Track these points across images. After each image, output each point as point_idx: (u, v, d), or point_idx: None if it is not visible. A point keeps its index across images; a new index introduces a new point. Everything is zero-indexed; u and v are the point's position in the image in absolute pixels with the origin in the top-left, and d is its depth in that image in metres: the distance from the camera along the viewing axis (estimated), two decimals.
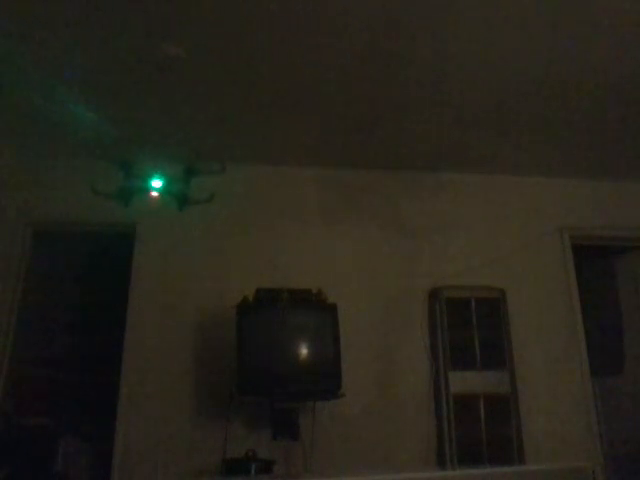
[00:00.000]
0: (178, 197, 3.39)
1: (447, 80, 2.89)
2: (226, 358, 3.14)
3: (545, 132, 3.45)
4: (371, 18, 2.43)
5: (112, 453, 3.13)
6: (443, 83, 2.92)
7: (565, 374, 3.62)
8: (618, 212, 4.01)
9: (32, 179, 3.58)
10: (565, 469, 1.63)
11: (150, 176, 3.42)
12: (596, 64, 2.77)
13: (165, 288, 3.47)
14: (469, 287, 3.60)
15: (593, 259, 4.28)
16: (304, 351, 3.09)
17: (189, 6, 2.34)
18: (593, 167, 3.90)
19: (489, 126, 3.37)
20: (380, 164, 3.81)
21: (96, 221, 3.62)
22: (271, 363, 3.03)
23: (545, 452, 3.35)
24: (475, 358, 3.43)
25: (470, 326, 3.49)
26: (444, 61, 2.74)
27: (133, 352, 3.32)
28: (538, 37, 2.56)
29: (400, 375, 3.50)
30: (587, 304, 3.85)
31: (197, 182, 3.50)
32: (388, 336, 3.56)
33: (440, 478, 1.81)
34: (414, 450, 3.35)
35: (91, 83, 2.89)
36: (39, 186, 3.57)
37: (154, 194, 3.45)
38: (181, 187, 3.42)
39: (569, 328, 3.72)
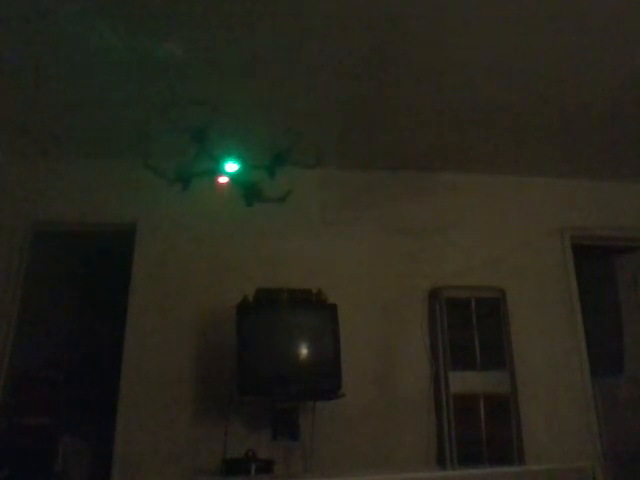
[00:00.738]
0: (248, 189, 2.71)
1: (447, 80, 2.89)
2: (226, 358, 3.15)
3: (545, 132, 3.45)
4: (371, 18, 2.43)
5: (112, 453, 3.13)
6: (443, 83, 2.92)
7: (565, 374, 3.62)
8: (618, 212, 4.01)
9: (32, 179, 3.58)
10: (565, 469, 1.63)
11: (224, 158, 2.68)
12: (596, 64, 2.78)
13: (165, 288, 3.47)
14: (469, 287, 3.60)
15: (593, 259, 4.28)
16: (304, 351, 3.09)
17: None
18: (593, 167, 3.90)
19: (489, 126, 3.37)
20: (380, 164, 3.81)
21: (96, 221, 3.62)
22: (271, 363, 3.03)
23: (545, 452, 3.35)
24: (475, 358, 3.43)
25: (470, 326, 3.49)
26: (444, 61, 2.74)
27: (133, 352, 3.32)
28: (538, 37, 2.56)
29: (400, 375, 3.50)
30: (587, 304, 3.85)
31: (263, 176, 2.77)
32: (388, 336, 3.56)
33: (440, 478, 1.81)
34: (414, 450, 3.35)
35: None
36: (39, 186, 3.57)
37: (222, 180, 2.78)
38: (258, 177, 2.67)
39: (569, 328, 3.72)
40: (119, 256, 3.64)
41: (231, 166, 2.70)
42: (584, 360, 3.67)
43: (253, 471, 2.90)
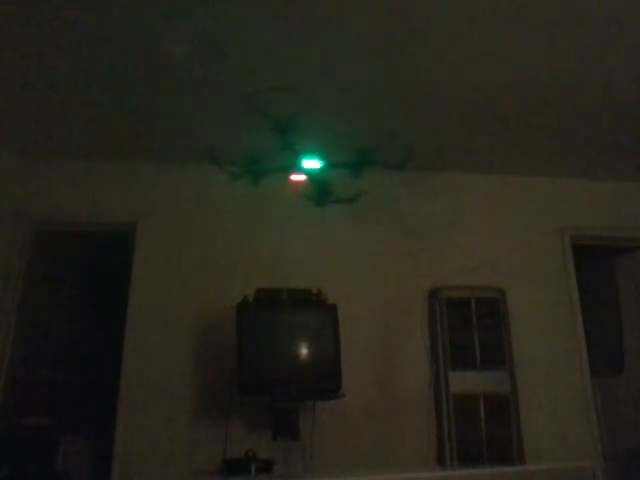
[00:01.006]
0: (322, 189, 2.50)
1: (447, 80, 2.89)
2: (226, 358, 3.14)
3: (545, 132, 3.45)
4: (371, 17, 2.43)
5: (112, 453, 3.13)
6: (443, 83, 2.92)
7: (565, 374, 3.62)
8: (618, 212, 4.01)
9: (33, 179, 3.57)
10: (565, 469, 1.63)
11: (303, 153, 2.43)
12: (596, 65, 2.77)
13: (165, 288, 3.47)
14: (469, 287, 3.60)
15: (593, 259, 4.28)
16: (304, 351, 3.09)
17: None
18: (593, 167, 3.90)
19: (489, 126, 3.37)
20: (380, 164, 3.80)
21: (96, 221, 3.62)
22: (271, 363, 3.03)
23: (545, 452, 3.35)
24: (475, 358, 3.44)
25: (470, 326, 3.50)
26: (444, 61, 2.73)
27: (133, 352, 3.32)
28: (538, 38, 2.56)
29: (400, 375, 3.50)
30: (587, 304, 3.85)
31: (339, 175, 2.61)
32: (388, 336, 3.56)
33: (440, 478, 1.81)
34: (414, 450, 3.35)
35: None
36: (39, 186, 3.57)
37: (296, 178, 2.56)
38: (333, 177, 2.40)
39: (569, 328, 3.72)
40: (119, 256, 3.64)
41: (311, 163, 2.48)
42: (584, 360, 3.67)
43: (253, 471, 2.91)
